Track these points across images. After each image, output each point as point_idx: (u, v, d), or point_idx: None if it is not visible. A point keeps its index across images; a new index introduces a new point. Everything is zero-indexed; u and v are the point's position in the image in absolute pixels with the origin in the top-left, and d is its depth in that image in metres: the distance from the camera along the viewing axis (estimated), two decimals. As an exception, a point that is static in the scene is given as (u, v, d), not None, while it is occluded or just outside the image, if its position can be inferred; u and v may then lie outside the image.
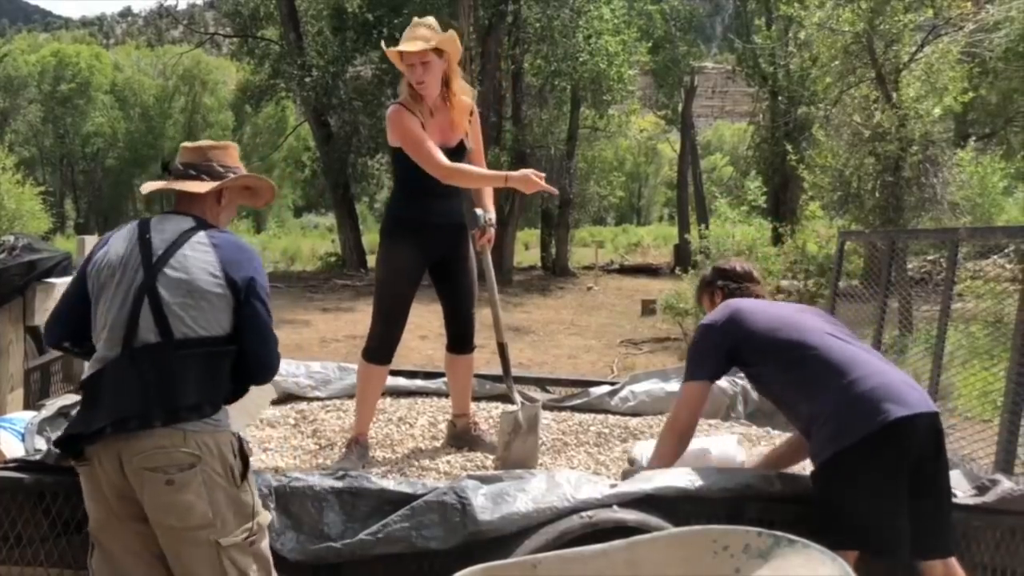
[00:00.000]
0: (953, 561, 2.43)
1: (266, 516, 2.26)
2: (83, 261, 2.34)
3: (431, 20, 3.26)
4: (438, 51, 3.18)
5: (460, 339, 3.49)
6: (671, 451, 2.70)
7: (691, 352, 2.75)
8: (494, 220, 3.37)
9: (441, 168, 3.09)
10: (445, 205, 3.29)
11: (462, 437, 3.45)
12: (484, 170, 3.27)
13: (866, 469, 2.34)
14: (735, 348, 2.63)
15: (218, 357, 2.17)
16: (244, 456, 2.20)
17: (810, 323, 2.60)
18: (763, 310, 2.69)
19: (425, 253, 3.31)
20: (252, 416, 3.39)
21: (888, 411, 2.30)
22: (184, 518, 2.07)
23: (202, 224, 2.28)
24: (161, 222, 2.29)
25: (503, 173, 3.17)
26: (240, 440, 2.22)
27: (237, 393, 2.26)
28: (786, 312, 2.70)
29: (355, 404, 3.42)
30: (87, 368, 2.21)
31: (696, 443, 2.88)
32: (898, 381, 2.39)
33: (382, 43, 3.46)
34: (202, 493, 2.08)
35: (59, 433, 2.24)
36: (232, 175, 2.41)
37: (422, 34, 3.18)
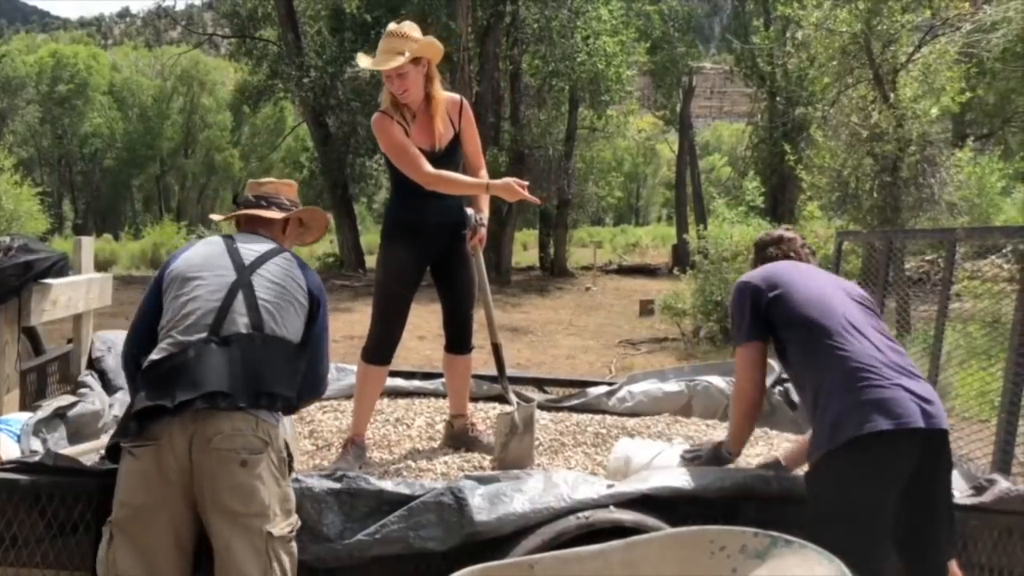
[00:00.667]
0: (951, 563, 2.43)
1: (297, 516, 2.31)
2: (156, 278, 2.43)
3: (406, 27, 3.18)
4: (415, 59, 3.15)
5: (458, 339, 3.49)
6: (738, 421, 2.69)
7: (731, 314, 2.73)
8: (485, 220, 3.35)
9: (423, 175, 3.11)
10: (441, 206, 3.28)
11: (460, 438, 3.45)
12: (465, 178, 3.24)
13: (848, 475, 2.31)
14: (766, 310, 2.59)
15: (296, 360, 2.33)
16: (290, 454, 2.29)
17: (842, 309, 2.52)
18: (800, 279, 2.63)
19: (423, 254, 3.31)
20: None
21: (876, 422, 2.26)
22: (248, 502, 2.11)
23: (281, 246, 2.52)
24: (246, 238, 2.52)
25: (484, 181, 3.20)
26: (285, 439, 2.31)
27: (294, 403, 2.38)
28: (824, 288, 2.61)
29: (353, 404, 3.42)
30: (153, 353, 2.23)
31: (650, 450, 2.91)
32: (903, 394, 2.32)
33: (358, 55, 3.41)
34: (266, 480, 2.15)
35: (55, 434, 2.25)
36: (296, 208, 2.68)
37: (395, 47, 3.12)
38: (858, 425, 2.28)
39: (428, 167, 3.12)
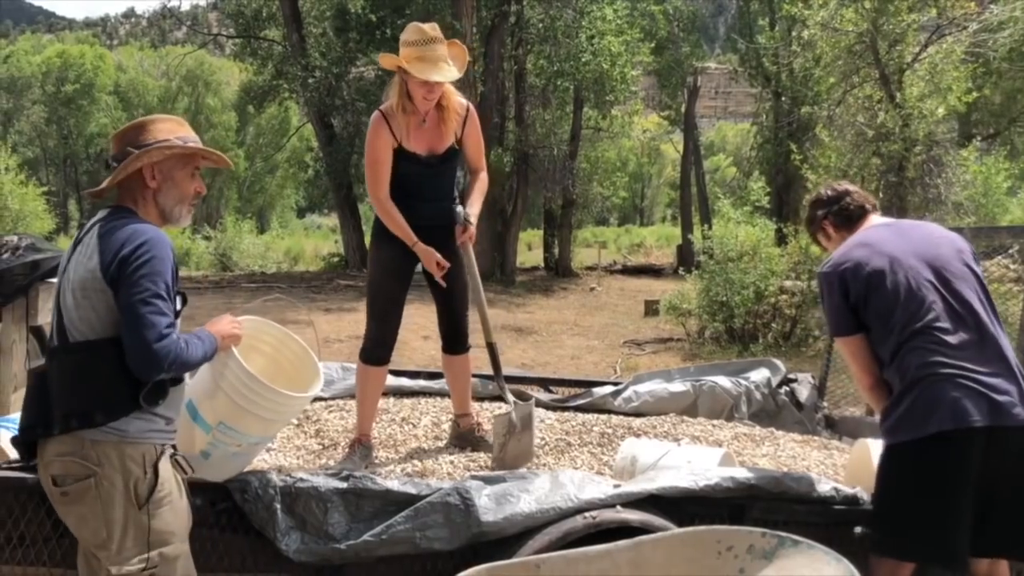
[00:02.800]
0: (1002, 561, 2.43)
1: (178, 549, 2.09)
2: None
3: (439, 32, 3.15)
4: None
5: (452, 339, 3.49)
6: (874, 406, 2.67)
7: (823, 305, 2.65)
8: (474, 218, 3.32)
9: (376, 197, 3.21)
10: (432, 208, 3.29)
11: (466, 437, 3.45)
12: (402, 223, 3.21)
13: (909, 471, 2.36)
14: (854, 305, 2.51)
15: (109, 358, 2.02)
16: (161, 474, 2.07)
17: (935, 295, 2.43)
18: (885, 267, 2.48)
19: (412, 253, 3.29)
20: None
21: (941, 421, 2.28)
22: (80, 534, 2.02)
23: (114, 214, 2.15)
24: (99, 223, 2.19)
25: (414, 239, 3.21)
26: (161, 456, 2.09)
27: (152, 395, 2.06)
28: (916, 272, 2.47)
29: (356, 405, 3.42)
30: None
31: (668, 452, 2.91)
32: (977, 387, 2.31)
33: (383, 56, 3.27)
34: (98, 509, 1.98)
35: None
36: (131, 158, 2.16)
37: (441, 54, 3.10)
38: (924, 423, 2.31)
39: (383, 192, 3.19)
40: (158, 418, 2.11)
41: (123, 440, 2.02)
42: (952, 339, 2.38)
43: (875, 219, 2.74)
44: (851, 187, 2.82)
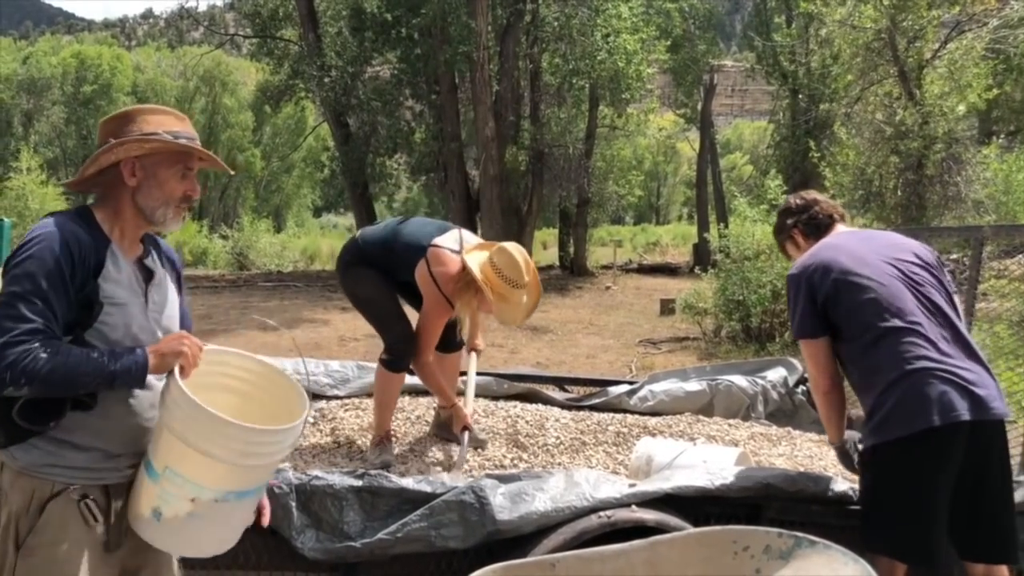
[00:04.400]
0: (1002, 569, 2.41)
1: None
2: None
3: (534, 277, 3.27)
4: None
5: (446, 339, 3.54)
6: (823, 410, 2.63)
7: (789, 306, 2.65)
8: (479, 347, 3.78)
9: (426, 364, 3.35)
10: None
11: (446, 427, 3.51)
12: (444, 385, 3.43)
13: (898, 468, 2.34)
14: (822, 307, 2.52)
15: None
16: (46, 516, 1.80)
17: (905, 293, 2.45)
18: (852, 267, 2.50)
19: (392, 279, 3.40)
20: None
21: (930, 417, 2.28)
22: None
23: (61, 213, 1.90)
24: None
25: (454, 401, 3.43)
26: (56, 495, 1.81)
27: (29, 414, 1.77)
28: (882, 271, 2.50)
29: (375, 409, 3.42)
30: None
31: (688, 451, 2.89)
32: (959, 382, 2.32)
33: (488, 290, 3.17)
34: None
35: None
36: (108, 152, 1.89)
37: (531, 292, 3.26)
38: (909, 421, 2.30)
39: (431, 356, 3.37)
40: (71, 451, 1.81)
41: (18, 469, 1.81)
42: (930, 335, 2.39)
43: (841, 228, 2.78)
44: (819, 196, 2.86)
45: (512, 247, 3.24)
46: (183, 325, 2.07)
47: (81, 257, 1.79)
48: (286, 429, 1.86)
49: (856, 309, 2.45)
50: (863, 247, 2.59)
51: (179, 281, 2.14)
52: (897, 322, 2.39)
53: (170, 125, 1.94)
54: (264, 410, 2.01)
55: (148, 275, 1.97)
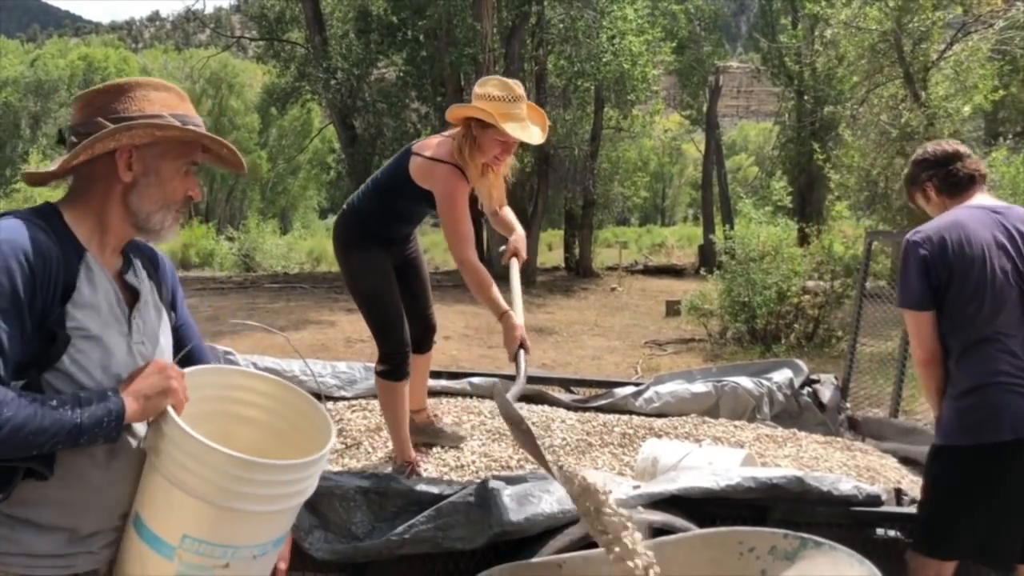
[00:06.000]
0: None
1: None
2: None
3: (523, 90, 3.04)
4: None
5: (423, 337, 3.47)
6: (926, 384, 2.52)
7: (899, 273, 2.49)
8: (520, 239, 3.37)
9: (469, 261, 2.94)
10: (412, 227, 3.33)
11: (424, 431, 3.45)
12: (494, 291, 2.95)
13: (967, 473, 2.36)
14: (937, 286, 2.40)
15: None
16: None
17: (1011, 300, 2.36)
18: (971, 262, 2.36)
19: (388, 251, 3.25)
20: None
21: (1001, 431, 2.29)
22: None
23: (22, 213, 1.45)
24: None
25: (505, 308, 2.92)
26: None
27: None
28: (996, 269, 2.37)
29: (391, 429, 3.24)
30: None
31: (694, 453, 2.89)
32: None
33: (484, 114, 2.92)
34: None
35: None
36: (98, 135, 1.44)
37: (527, 114, 3.02)
38: (973, 431, 2.32)
39: (474, 253, 2.99)
40: (28, 533, 1.40)
41: None
42: (1018, 348, 2.36)
43: (980, 197, 2.54)
44: (962, 149, 2.59)
45: (482, 81, 3.04)
46: (191, 341, 1.71)
47: (46, 276, 1.36)
48: (318, 459, 1.53)
49: (962, 305, 2.38)
50: (989, 234, 2.42)
51: (173, 294, 1.71)
52: (992, 331, 2.36)
53: (176, 107, 1.54)
54: (283, 437, 1.67)
55: (133, 296, 1.54)
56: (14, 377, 1.32)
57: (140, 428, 1.48)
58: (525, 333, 2.89)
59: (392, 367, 3.20)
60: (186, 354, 1.66)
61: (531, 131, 3.00)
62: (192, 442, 1.39)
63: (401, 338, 3.22)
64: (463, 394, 4.16)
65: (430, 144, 3.09)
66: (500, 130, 2.91)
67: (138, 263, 1.60)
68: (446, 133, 3.14)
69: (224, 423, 1.61)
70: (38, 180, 1.56)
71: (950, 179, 2.53)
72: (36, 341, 1.35)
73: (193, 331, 1.75)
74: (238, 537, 1.46)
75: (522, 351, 2.85)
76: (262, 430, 1.66)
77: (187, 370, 1.53)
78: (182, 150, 1.54)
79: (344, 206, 3.30)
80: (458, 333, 10.83)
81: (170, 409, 1.43)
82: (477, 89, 3.00)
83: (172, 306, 1.69)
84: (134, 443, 1.48)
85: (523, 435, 2.19)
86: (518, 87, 3.01)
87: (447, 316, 11.16)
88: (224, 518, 1.42)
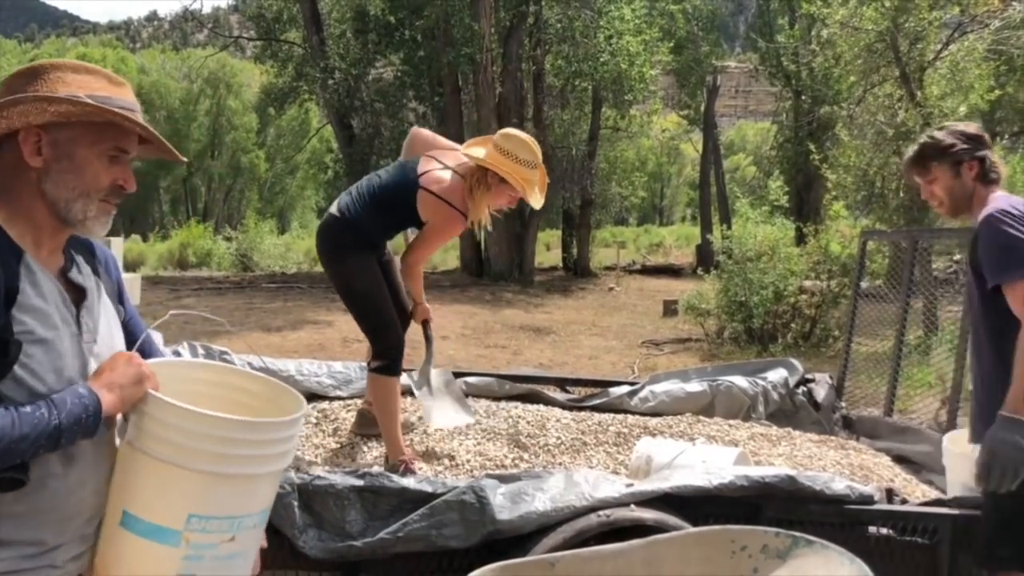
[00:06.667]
0: None
1: None
2: None
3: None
4: None
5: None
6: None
7: (1006, 245, 2.29)
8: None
9: (416, 265, 3.40)
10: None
11: (375, 425, 3.45)
12: (418, 289, 3.50)
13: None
14: None
15: None
16: None
17: None
18: None
19: (374, 252, 3.41)
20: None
21: None
22: None
23: None
24: None
25: (421, 302, 3.50)
26: None
27: None
28: None
29: (384, 425, 3.27)
30: None
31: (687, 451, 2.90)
32: None
33: (514, 177, 3.16)
34: None
35: None
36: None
37: (541, 183, 3.29)
38: None
39: (423, 265, 3.47)
40: None
41: None
42: None
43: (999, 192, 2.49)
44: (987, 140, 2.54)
45: (511, 131, 3.29)
46: (139, 334, 1.64)
47: None
48: (297, 418, 1.54)
49: None
50: None
51: (119, 288, 1.63)
52: None
53: (98, 89, 1.41)
54: (253, 414, 1.60)
55: (79, 295, 1.47)
56: None
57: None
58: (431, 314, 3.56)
59: (388, 363, 3.29)
60: (139, 347, 1.57)
61: (537, 196, 3.28)
62: (188, 415, 1.39)
63: (397, 334, 3.34)
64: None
65: (440, 180, 3.22)
66: (516, 190, 3.18)
67: (80, 259, 1.52)
68: (451, 164, 3.28)
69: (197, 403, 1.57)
70: None
71: (991, 168, 2.47)
72: None
73: (140, 324, 1.68)
74: (241, 505, 1.47)
75: (429, 324, 3.55)
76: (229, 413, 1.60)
77: (149, 362, 1.48)
78: (101, 133, 1.41)
79: (334, 212, 3.34)
80: (455, 333, 10.84)
81: (151, 391, 1.40)
82: (504, 143, 3.19)
83: (120, 300, 1.63)
84: (89, 447, 1.42)
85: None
86: (539, 152, 3.24)
87: (445, 316, 11.16)
88: (226, 486, 1.43)
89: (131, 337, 1.63)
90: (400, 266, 3.46)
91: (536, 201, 3.27)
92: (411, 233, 3.48)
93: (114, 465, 1.48)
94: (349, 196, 3.35)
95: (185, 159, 1.61)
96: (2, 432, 1.23)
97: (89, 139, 1.41)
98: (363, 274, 3.28)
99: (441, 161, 3.30)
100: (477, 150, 3.27)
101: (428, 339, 3.56)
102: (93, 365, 1.43)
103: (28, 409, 1.27)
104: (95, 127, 1.41)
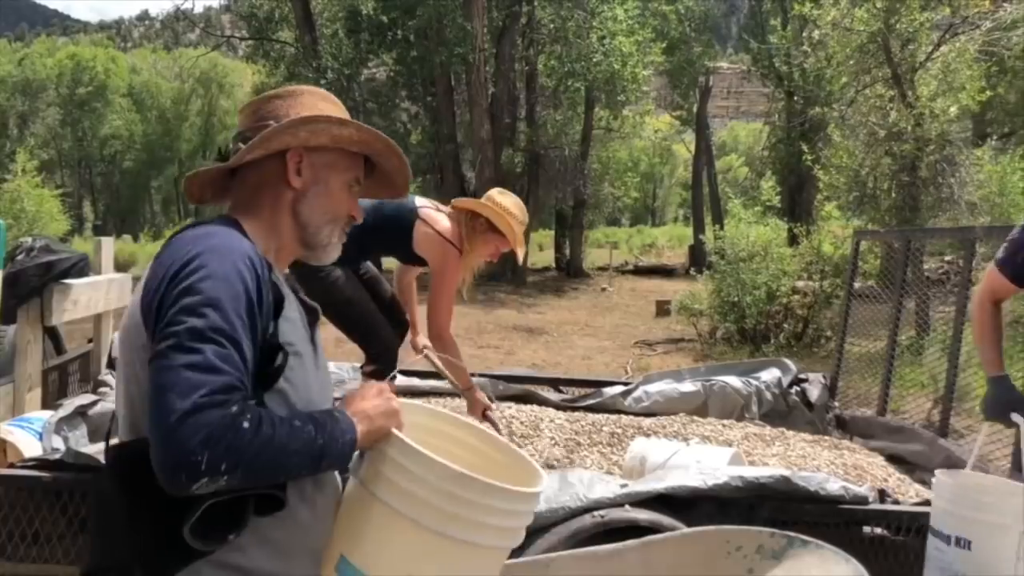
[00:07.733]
0: None
1: None
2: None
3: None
4: None
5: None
6: (975, 315, 2.64)
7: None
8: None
9: (446, 335, 3.31)
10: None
11: None
12: (460, 363, 3.39)
13: None
14: None
15: (138, 475, 1.14)
16: None
17: None
18: None
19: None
20: None
21: None
22: None
23: (197, 225, 1.33)
24: None
25: (471, 384, 3.40)
26: None
27: (206, 528, 1.14)
28: None
29: None
30: None
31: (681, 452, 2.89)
32: None
33: (508, 230, 3.33)
34: None
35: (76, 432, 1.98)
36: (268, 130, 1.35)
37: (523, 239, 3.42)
38: None
39: (450, 327, 3.37)
40: None
41: None
42: None
43: None
44: None
45: (505, 191, 3.44)
46: None
47: (264, 286, 1.23)
48: (539, 492, 1.35)
49: None
50: None
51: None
52: None
53: (339, 115, 1.43)
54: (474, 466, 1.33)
55: (312, 313, 1.43)
56: None
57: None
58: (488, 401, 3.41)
59: (383, 366, 3.34)
60: None
61: (522, 247, 3.44)
62: (434, 466, 1.21)
63: (388, 335, 3.40)
64: (453, 394, 4.15)
65: (438, 220, 3.31)
66: (506, 241, 3.32)
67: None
68: (448, 210, 3.39)
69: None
70: (196, 189, 1.44)
71: None
72: (259, 357, 1.21)
73: None
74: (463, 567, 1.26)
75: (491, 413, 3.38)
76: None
77: (400, 401, 1.37)
78: (348, 163, 1.43)
79: None
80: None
81: (395, 432, 1.26)
82: (501, 199, 3.33)
83: None
84: (330, 478, 1.33)
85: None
86: (527, 216, 3.44)
87: (437, 316, 11.12)
88: (452, 552, 1.24)
89: None
90: (430, 342, 3.44)
91: (520, 252, 3.41)
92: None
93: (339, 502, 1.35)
94: None
95: (407, 193, 1.61)
96: (284, 438, 1.13)
97: (342, 166, 1.42)
98: (345, 285, 3.35)
99: (435, 203, 3.44)
100: (467, 201, 3.42)
101: (496, 429, 3.26)
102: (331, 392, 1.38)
103: (298, 423, 1.16)
104: (348, 156, 1.42)
